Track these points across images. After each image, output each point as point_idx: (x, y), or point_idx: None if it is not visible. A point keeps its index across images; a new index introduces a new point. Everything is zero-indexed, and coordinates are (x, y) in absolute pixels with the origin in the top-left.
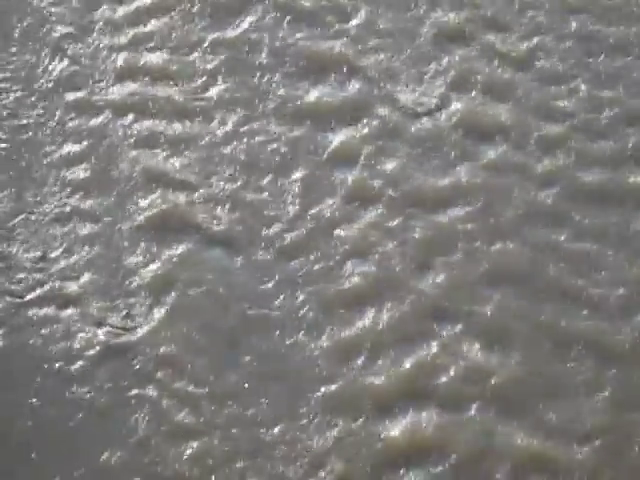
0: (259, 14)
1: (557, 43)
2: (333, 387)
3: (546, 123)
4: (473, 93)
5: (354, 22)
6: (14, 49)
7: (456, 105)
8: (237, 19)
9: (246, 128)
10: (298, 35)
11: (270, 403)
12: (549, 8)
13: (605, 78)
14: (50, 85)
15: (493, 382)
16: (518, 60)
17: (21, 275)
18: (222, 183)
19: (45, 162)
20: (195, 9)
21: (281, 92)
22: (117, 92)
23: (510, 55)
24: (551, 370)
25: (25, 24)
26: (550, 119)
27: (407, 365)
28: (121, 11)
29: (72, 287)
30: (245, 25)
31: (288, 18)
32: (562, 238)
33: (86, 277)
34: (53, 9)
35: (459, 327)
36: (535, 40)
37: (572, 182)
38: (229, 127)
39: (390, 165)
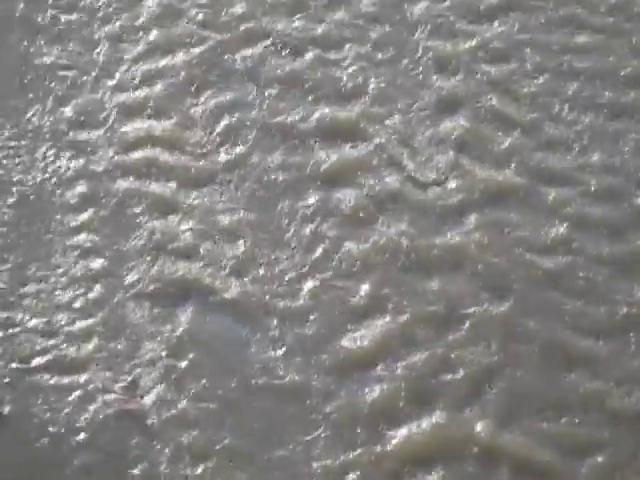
0: (264, 82)
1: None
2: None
3: (550, 187)
4: (479, 158)
5: (361, 93)
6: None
7: (463, 172)
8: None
9: (255, 194)
10: (302, 103)
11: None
12: (557, 71)
13: (611, 141)
14: (56, 152)
15: None
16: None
17: (27, 341)
18: (231, 251)
19: (52, 229)
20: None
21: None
22: (124, 157)
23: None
24: None
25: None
26: (556, 183)
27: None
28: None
29: (78, 354)
30: (254, 92)
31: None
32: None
33: (92, 344)
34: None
35: None
36: (542, 104)
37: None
38: (238, 194)
39: (396, 229)
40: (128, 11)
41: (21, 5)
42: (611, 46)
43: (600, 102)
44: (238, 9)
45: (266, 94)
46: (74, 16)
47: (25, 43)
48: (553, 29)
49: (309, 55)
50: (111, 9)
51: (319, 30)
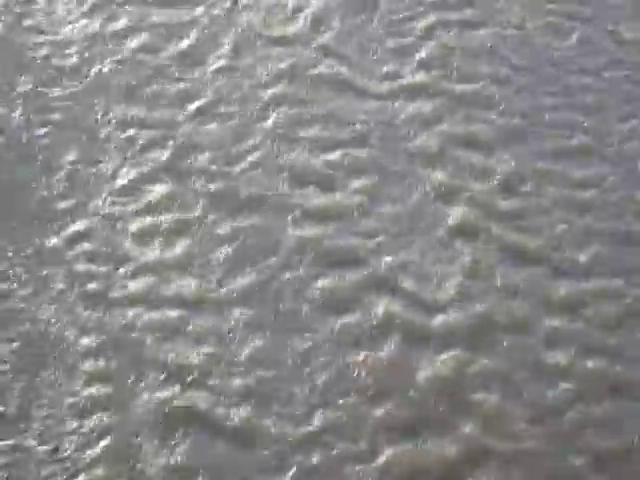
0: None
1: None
2: None
3: (555, 317)
4: (487, 289)
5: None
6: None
7: (470, 301)
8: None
9: (262, 323)
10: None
11: None
12: (565, 205)
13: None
14: (65, 277)
15: None
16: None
17: (35, 467)
18: (239, 379)
19: (60, 353)
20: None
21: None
22: (134, 283)
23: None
24: None
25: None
26: (564, 314)
27: None
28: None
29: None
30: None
31: (297, 214)
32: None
33: (99, 471)
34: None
35: None
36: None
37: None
38: (245, 321)
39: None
40: None
41: None
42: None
43: (610, 232)
44: None
45: None
46: None
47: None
48: (564, 159)
49: None
50: None
51: None
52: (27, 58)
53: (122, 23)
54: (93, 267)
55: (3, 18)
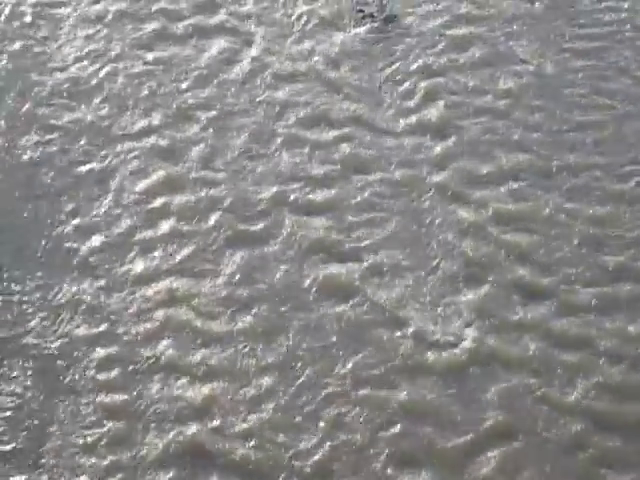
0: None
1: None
2: None
3: (567, 352)
4: (491, 327)
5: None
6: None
7: (474, 339)
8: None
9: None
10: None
11: None
12: (575, 243)
13: (627, 308)
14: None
15: None
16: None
17: None
18: (247, 416)
19: (76, 388)
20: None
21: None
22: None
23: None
24: None
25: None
26: (572, 348)
27: None
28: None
29: None
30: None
31: (305, 246)
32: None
33: None
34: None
35: None
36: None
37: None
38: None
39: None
40: None
41: None
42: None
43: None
44: None
45: None
46: None
47: None
48: (575, 198)
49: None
50: None
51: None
52: None
53: None
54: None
55: None
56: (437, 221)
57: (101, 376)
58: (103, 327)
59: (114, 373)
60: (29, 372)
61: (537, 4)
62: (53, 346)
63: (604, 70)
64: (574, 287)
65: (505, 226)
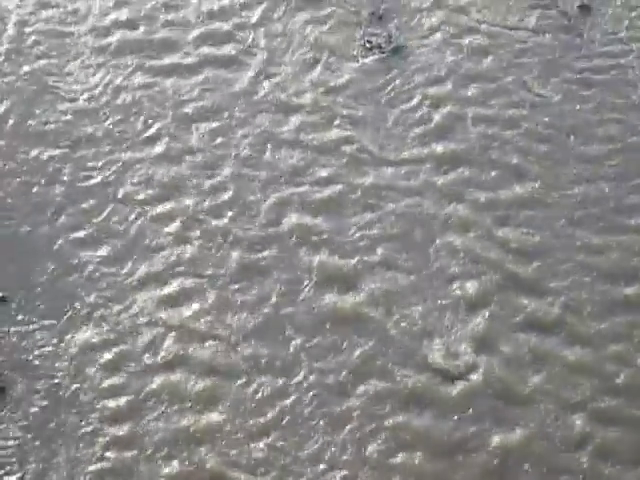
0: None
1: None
2: None
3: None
4: (500, 358)
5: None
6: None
7: (483, 369)
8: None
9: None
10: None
11: None
12: (581, 270)
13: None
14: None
15: None
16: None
17: None
18: (254, 445)
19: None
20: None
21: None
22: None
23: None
24: None
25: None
26: (577, 387)
27: None
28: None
29: None
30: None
31: (315, 280)
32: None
33: None
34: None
35: None
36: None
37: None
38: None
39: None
40: None
41: None
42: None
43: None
44: None
45: None
46: None
47: None
48: (576, 228)
49: None
50: None
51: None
52: None
53: None
54: None
55: None
56: (442, 252)
57: (109, 404)
58: (110, 355)
59: (121, 402)
60: (36, 398)
61: (546, 35)
62: (59, 373)
63: (610, 101)
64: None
65: (511, 255)
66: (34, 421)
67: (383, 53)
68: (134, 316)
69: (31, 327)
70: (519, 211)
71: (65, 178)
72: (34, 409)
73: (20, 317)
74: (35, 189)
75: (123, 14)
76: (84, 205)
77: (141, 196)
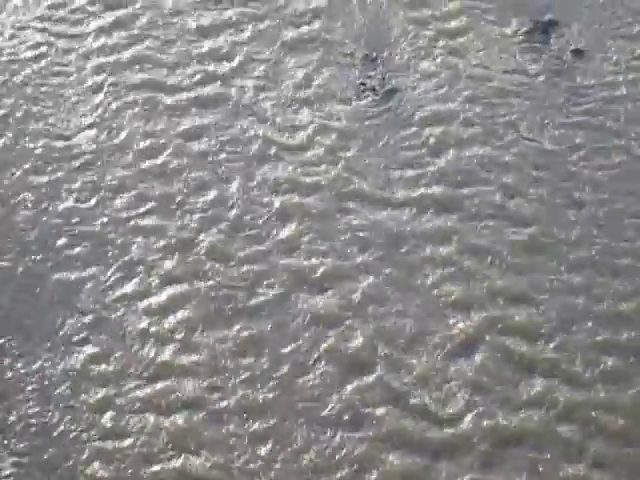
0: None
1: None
2: None
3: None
4: (494, 399)
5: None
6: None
7: (477, 412)
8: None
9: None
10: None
11: None
12: (576, 314)
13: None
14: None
15: None
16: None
17: None
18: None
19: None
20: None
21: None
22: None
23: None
24: None
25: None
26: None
27: None
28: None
29: None
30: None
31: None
32: None
33: None
34: None
35: None
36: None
37: None
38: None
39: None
40: None
41: None
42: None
43: (618, 344)
44: None
45: None
46: None
47: None
48: (573, 273)
49: None
50: None
51: None
52: None
53: None
54: None
55: None
56: (434, 292)
57: (107, 446)
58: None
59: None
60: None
61: (539, 78)
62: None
63: (604, 145)
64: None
65: (505, 300)
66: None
67: (377, 95)
68: None
69: None
70: (513, 254)
71: None
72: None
73: None
74: None
75: None
76: None
77: None
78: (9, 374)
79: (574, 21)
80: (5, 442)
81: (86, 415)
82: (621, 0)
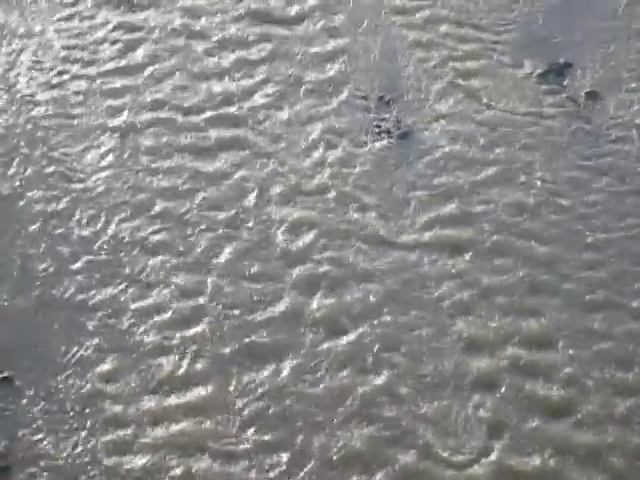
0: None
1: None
2: None
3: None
4: (509, 442)
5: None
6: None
7: (493, 456)
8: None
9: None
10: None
11: None
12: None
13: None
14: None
15: None
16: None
17: None
18: None
19: None
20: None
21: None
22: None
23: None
24: None
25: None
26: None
27: None
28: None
29: None
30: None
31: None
32: None
33: None
34: None
35: None
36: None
37: None
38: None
39: None
40: None
41: None
42: None
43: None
44: None
45: None
46: None
47: None
48: (589, 312)
49: None
50: None
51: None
52: None
53: None
54: None
55: None
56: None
57: None
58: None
59: None
60: None
61: (554, 120)
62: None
63: (616, 189)
64: None
65: (521, 345)
66: None
67: (392, 138)
68: None
69: None
70: (529, 295)
71: None
72: None
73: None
74: None
75: None
76: None
77: None
78: None
79: (588, 63)
80: None
81: None
82: (634, 42)
